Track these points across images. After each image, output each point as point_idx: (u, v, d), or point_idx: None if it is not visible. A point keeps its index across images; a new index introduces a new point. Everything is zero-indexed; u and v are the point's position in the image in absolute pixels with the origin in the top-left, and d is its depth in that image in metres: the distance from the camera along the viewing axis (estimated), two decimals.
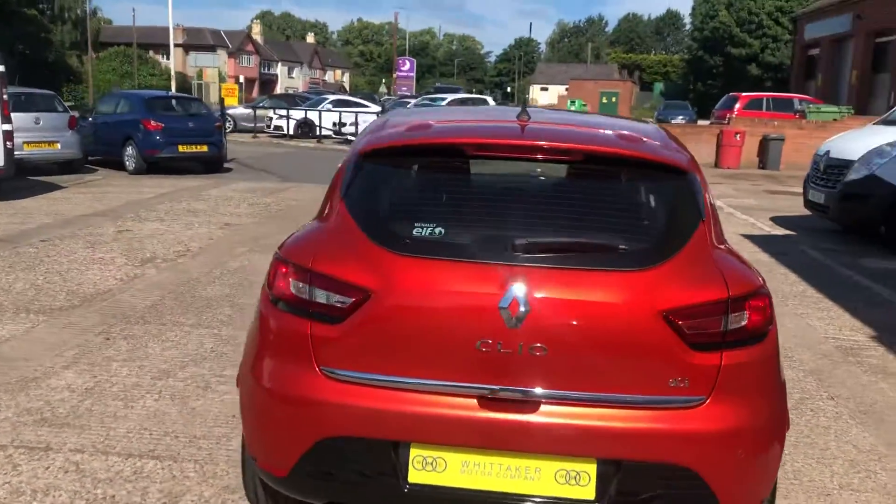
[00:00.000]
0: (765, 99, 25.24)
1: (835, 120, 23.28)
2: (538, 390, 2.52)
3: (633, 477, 2.52)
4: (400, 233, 2.69)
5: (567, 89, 74.27)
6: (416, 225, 2.70)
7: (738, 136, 21.31)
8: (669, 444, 2.52)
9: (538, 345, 2.50)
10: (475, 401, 2.54)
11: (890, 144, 9.89)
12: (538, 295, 2.50)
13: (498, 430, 2.54)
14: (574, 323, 2.51)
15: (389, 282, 2.58)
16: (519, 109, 3.05)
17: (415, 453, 2.58)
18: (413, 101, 27.27)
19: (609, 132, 3.01)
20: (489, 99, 26.98)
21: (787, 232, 10.92)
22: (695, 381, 2.52)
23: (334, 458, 2.63)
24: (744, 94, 26.28)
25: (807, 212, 11.15)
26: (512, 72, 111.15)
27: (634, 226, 2.74)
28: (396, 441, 2.59)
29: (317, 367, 2.64)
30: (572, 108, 59.32)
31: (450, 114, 3.89)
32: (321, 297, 2.66)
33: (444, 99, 24.80)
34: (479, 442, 2.56)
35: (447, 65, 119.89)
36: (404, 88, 53.97)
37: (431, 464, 2.58)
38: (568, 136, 2.94)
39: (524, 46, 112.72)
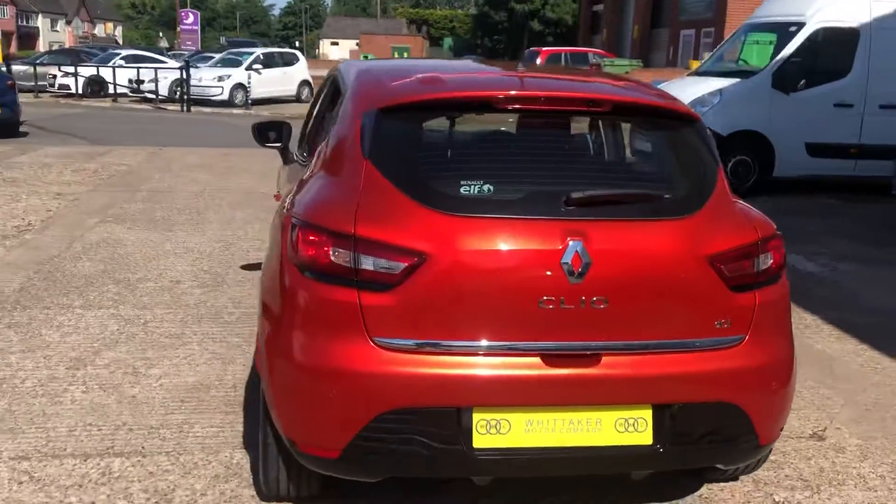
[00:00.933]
0: (563, 53, 26.47)
1: (626, 73, 24.92)
2: (600, 343, 2.55)
3: (684, 418, 2.62)
4: (446, 192, 2.58)
5: (358, 44, 73.71)
6: (462, 183, 2.60)
7: None
8: (717, 383, 2.64)
9: (599, 298, 2.51)
10: (538, 359, 2.52)
11: (710, 94, 10.76)
12: (597, 248, 2.50)
13: (561, 386, 2.54)
14: (632, 274, 2.55)
15: (444, 244, 2.48)
16: (499, 62, 3.01)
17: (478, 418, 2.52)
18: (217, 55, 25.81)
19: (615, 83, 3.04)
20: (299, 53, 26.11)
21: None
22: (735, 320, 2.65)
23: (394, 431, 2.51)
24: (544, 48, 27.41)
25: None
26: (298, 25, 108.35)
27: (669, 175, 2.81)
28: (459, 407, 2.51)
29: (369, 338, 2.49)
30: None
31: (432, 66, 3.74)
32: (368, 263, 2.50)
33: (250, 54, 23.70)
34: (544, 400, 2.55)
35: (229, 17, 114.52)
36: (189, 43, 50.88)
37: (496, 426, 2.53)
38: (592, 87, 2.94)
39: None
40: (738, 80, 10.89)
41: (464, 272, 2.48)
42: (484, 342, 2.51)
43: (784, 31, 11.01)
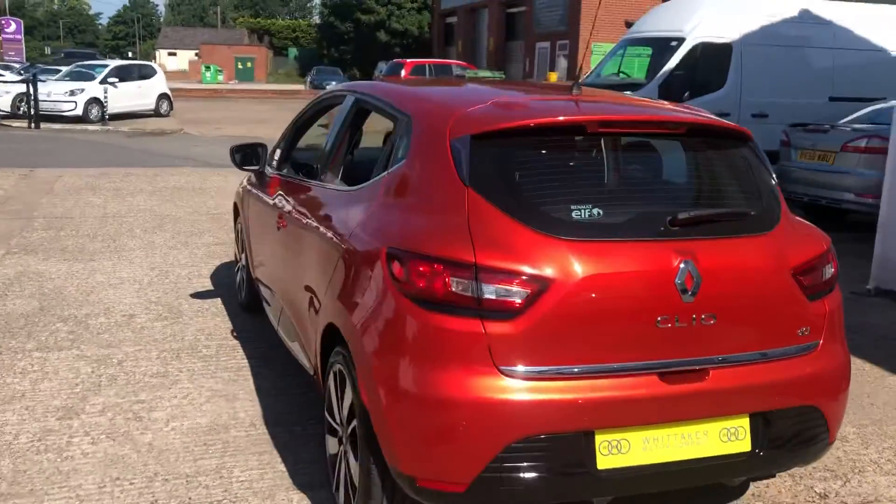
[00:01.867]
0: (427, 65, 26.79)
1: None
2: (708, 357, 2.65)
3: (776, 423, 2.77)
4: (560, 217, 2.60)
5: (198, 54, 71.28)
6: (572, 208, 2.62)
7: None
8: (801, 388, 2.81)
9: (707, 314, 2.61)
10: (656, 377, 2.58)
11: None
12: (704, 266, 2.60)
13: (676, 402, 2.62)
14: (734, 289, 2.67)
15: (565, 269, 2.50)
16: (562, 84, 3.08)
17: (600, 439, 2.56)
18: (64, 68, 24.12)
19: (674, 107, 3.16)
20: (156, 66, 24.88)
21: None
22: (812, 327, 2.83)
23: (522, 460, 2.49)
24: (408, 60, 27.64)
25: None
26: (130, 35, 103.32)
27: (748, 192, 2.94)
28: (585, 431, 2.53)
29: (496, 367, 2.47)
30: (209, 74, 57.14)
31: (476, 90, 3.71)
32: (491, 292, 2.47)
33: (103, 67, 22.36)
34: (660, 417, 2.61)
35: (51, 26, 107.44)
36: (12, 53, 47.45)
37: (616, 446, 2.57)
38: (665, 111, 3.04)
39: (141, 8, 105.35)
40: (627, 92, 11.44)
41: (585, 296, 2.51)
42: (605, 364, 2.54)
43: (665, 45, 11.68)
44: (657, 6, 13.07)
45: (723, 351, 2.66)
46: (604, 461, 2.55)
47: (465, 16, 35.88)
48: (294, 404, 4.08)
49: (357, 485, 2.80)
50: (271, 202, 4.40)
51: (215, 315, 5.46)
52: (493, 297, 2.48)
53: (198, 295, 5.89)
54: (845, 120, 10.44)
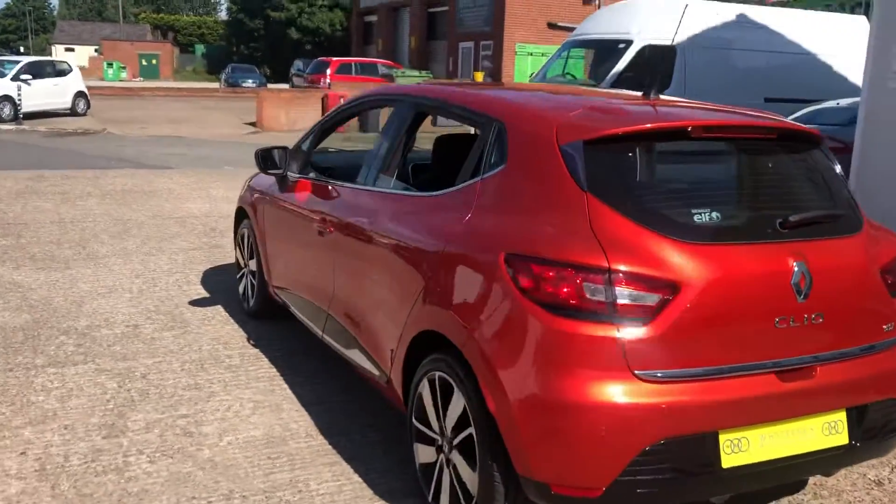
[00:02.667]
0: (353, 64, 26.57)
1: (418, 83, 25.52)
2: (816, 355, 2.75)
3: (868, 415, 2.90)
4: (683, 221, 2.65)
5: (98, 50, 68.51)
6: (693, 212, 2.68)
7: (342, 99, 22.19)
8: (889, 381, 2.94)
9: (817, 313, 2.71)
10: (774, 376, 2.67)
11: None
12: (814, 267, 2.71)
13: (790, 399, 2.71)
14: (839, 288, 2.79)
15: (693, 272, 2.55)
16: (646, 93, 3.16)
17: (724, 438, 2.62)
18: None
19: (756, 112, 3.26)
20: (72, 63, 23.72)
21: None
22: (895, 323, 2.98)
23: (656, 463, 2.53)
24: (334, 58, 27.33)
25: None
26: (21, 29, 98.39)
27: (834, 194, 3.05)
28: (713, 431, 2.59)
29: (630, 371, 2.50)
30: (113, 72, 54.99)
31: (570, 95, 3.70)
32: (624, 297, 2.50)
33: (14, 63, 21.20)
34: (776, 414, 2.70)
35: None
36: None
37: (738, 445, 2.64)
38: (757, 116, 3.12)
39: (33, 0, 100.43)
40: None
41: (711, 299, 2.57)
42: (730, 365, 2.61)
43: (612, 47, 11.96)
44: (601, 10, 13.35)
45: (827, 348, 2.77)
46: (727, 460, 2.62)
47: (386, 14, 35.77)
48: (341, 412, 4.00)
49: (475, 493, 2.77)
50: (307, 207, 4.29)
51: (223, 323, 5.29)
52: (627, 301, 2.51)
53: (196, 303, 5.69)
54: (790, 118, 10.89)
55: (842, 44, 12.96)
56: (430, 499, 3.08)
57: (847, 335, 2.82)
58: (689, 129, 2.81)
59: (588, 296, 2.50)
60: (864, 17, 14.06)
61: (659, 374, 2.52)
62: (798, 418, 2.74)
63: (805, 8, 14.13)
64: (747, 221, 2.78)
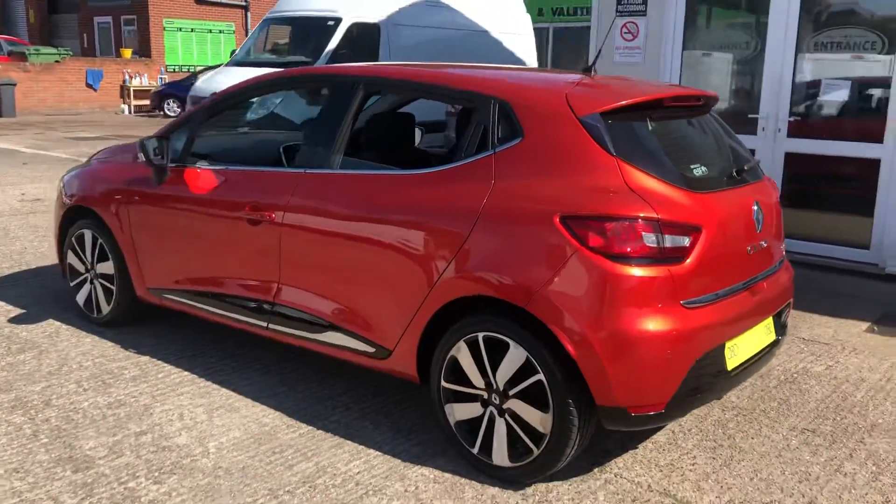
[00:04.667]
0: None
1: (57, 62, 23.16)
2: (764, 272, 3.52)
3: (781, 316, 3.76)
4: (690, 175, 3.25)
5: None
6: (691, 167, 3.27)
7: None
8: (788, 288, 3.83)
9: (764, 240, 3.49)
10: (748, 292, 3.38)
11: None
12: (761, 204, 3.48)
13: (754, 310, 3.45)
14: (770, 219, 3.58)
15: (706, 216, 3.16)
16: (576, 69, 3.69)
17: (727, 346, 3.28)
18: None
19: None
20: None
21: None
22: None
23: (696, 374, 3.11)
24: None
25: None
26: None
27: (742, 146, 3.82)
28: (721, 343, 3.23)
29: (678, 302, 3.04)
30: None
31: (541, 72, 3.93)
32: (669, 241, 3.03)
33: None
34: (748, 323, 3.42)
35: None
36: None
37: (732, 350, 3.32)
38: (688, 87, 3.76)
39: None
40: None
41: (717, 236, 3.18)
42: (728, 287, 3.26)
43: (321, 25, 12.16)
44: None
45: (766, 267, 3.56)
46: (730, 363, 3.28)
47: None
48: (298, 400, 3.96)
49: (547, 431, 3.08)
50: (222, 198, 4.08)
51: (78, 336, 4.73)
52: (671, 244, 3.02)
53: (19, 320, 4.98)
54: None
55: (506, 21, 14.65)
56: (475, 450, 3.31)
57: (772, 256, 3.63)
58: (668, 99, 3.40)
59: (645, 243, 2.96)
60: None
61: (695, 302, 3.09)
62: (756, 325, 3.49)
63: None
64: (719, 172, 3.44)
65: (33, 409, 3.77)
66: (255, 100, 5.18)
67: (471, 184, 3.30)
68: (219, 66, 23.61)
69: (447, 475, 3.31)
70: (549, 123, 3.23)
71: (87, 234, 4.84)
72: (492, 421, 3.25)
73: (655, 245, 2.98)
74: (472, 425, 3.33)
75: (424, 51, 12.87)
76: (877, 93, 6.85)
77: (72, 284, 5.06)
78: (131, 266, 4.62)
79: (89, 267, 4.91)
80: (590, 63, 3.93)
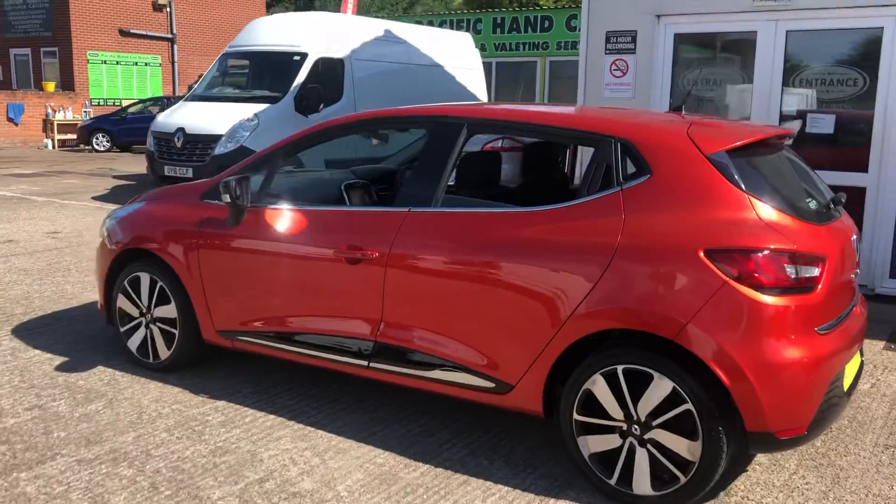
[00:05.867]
0: None
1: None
2: (856, 297, 3.75)
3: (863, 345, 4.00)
4: (807, 208, 3.46)
5: None
6: (806, 200, 3.47)
7: None
8: (865, 320, 4.09)
9: (856, 271, 3.72)
10: (850, 317, 3.59)
11: (248, 119, 11.30)
12: (854, 234, 3.72)
13: (860, 331, 3.65)
14: (854, 252, 3.79)
15: (828, 247, 3.37)
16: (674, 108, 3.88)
17: (845, 371, 3.47)
18: None
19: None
20: None
21: None
22: None
23: (829, 398, 3.29)
24: None
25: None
26: None
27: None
28: (841, 368, 3.41)
29: (814, 329, 3.22)
30: None
31: (651, 113, 4.05)
32: (805, 272, 3.22)
33: None
34: (858, 344, 3.61)
35: None
36: None
37: (843, 376, 3.49)
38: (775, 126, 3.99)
39: None
40: (265, 105, 11.56)
41: (835, 265, 3.38)
42: (840, 314, 3.46)
43: (286, 59, 12.11)
44: (259, 22, 13.30)
45: (856, 293, 3.79)
46: (845, 385, 3.48)
47: None
48: (402, 438, 3.94)
49: (696, 459, 3.19)
50: (313, 239, 4.06)
51: (139, 384, 4.57)
52: (805, 275, 3.20)
53: (68, 368, 4.78)
54: None
55: (457, 56, 14.94)
56: (613, 482, 3.38)
57: (855, 288, 3.87)
58: (771, 138, 3.60)
59: (786, 273, 3.13)
60: (467, 34, 16.30)
61: (824, 328, 3.27)
62: (852, 352, 3.70)
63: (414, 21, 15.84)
64: (820, 205, 3.65)
65: (137, 461, 3.63)
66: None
67: (600, 219, 3.40)
68: (152, 99, 23.25)
69: None
70: (677, 161, 3.38)
71: (144, 278, 4.70)
72: (632, 451, 3.34)
73: (794, 275, 3.16)
74: (606, 456, 3.40)
75: (386, 84, 13.02)
76: (860, 125, 7.34)
77: (122, 329, 4.88)
78: (199, 309, 4.52)
79: (144, 311, 4.76)
80: (683, 104, 4.12)
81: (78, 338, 5.37)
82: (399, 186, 5.15)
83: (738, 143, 3.41)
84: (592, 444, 3.44)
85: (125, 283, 4.81)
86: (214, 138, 11.23)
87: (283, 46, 12.27)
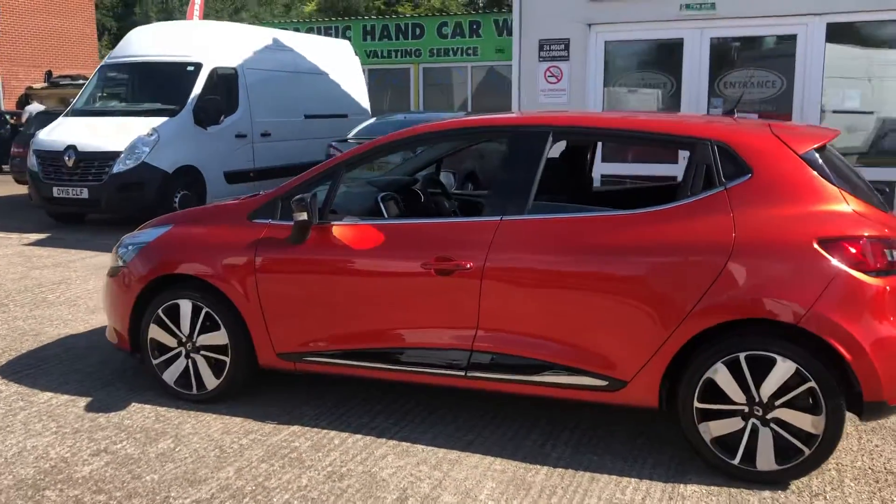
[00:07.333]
0: None
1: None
2: None
3: None
4: (877, 199, 3.85)
5: None
6: (861, 188, 3.85)
7: None
8: None
9: None
10: None
11: (147, 133, 10.70)
12: None
13: None
14: None
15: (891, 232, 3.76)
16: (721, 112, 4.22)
17: None
18: None
19: None
20: None
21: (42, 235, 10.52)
22: None
23: None
24: None
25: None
26: None
27: None
28: None
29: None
30: None
31: (725, 118, 4.24)
32: (892, 255, 3.59)
33: None
34: None
35: None
36: None
37: None
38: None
39: None
40: (162, 118, 10.95)
41: None
42: None
43: (178, 70, 11.55)
44: (140, 32, 12.56)
45: None
46: None
47: None
48: (506, 438, 3.98)
49: (819, 432, 3.47)
50: (395, 252, 4.01)
51: (194, 417, 4.29)
52: (892, 259, 3.58)
53: (103, 408, 4.40)
54: (352, 134, 12.33)
55: (339, 63, 14.88)
56: (736, 461, 3.60)
57: None
58: (833, 138, 3.98)
59: (888, 258, 3.50)
60: (347, 42, 16.23)
61: None
62: None
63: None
64: (878, 197, 4.06)
65: (260, 496, 3.44)
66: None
67: (710, 217, 3.62)
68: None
69: (715, 488, 3.57)
70: (775, 160, 3.66)
71: (185, 305, 4.42)
72: (754, 431, 3.58)
73: (891, 258, 3.52)
74: (729, 439, 3.63)
75: (277, 93, 12.78)
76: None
77: (156, 362, 4.56)
78: (256, 333, 4.31)
79: (185, 340, 4.47)
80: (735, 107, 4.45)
81: (82, 375, 4.94)
82: (422, 197, 5.17)
83: (819, 143, 3.75)
84: (714, 429, 3.64)
85: (159, 311, 4.49)
86: (112, 155, 10.52)
87: (174, 57, 11.70)
